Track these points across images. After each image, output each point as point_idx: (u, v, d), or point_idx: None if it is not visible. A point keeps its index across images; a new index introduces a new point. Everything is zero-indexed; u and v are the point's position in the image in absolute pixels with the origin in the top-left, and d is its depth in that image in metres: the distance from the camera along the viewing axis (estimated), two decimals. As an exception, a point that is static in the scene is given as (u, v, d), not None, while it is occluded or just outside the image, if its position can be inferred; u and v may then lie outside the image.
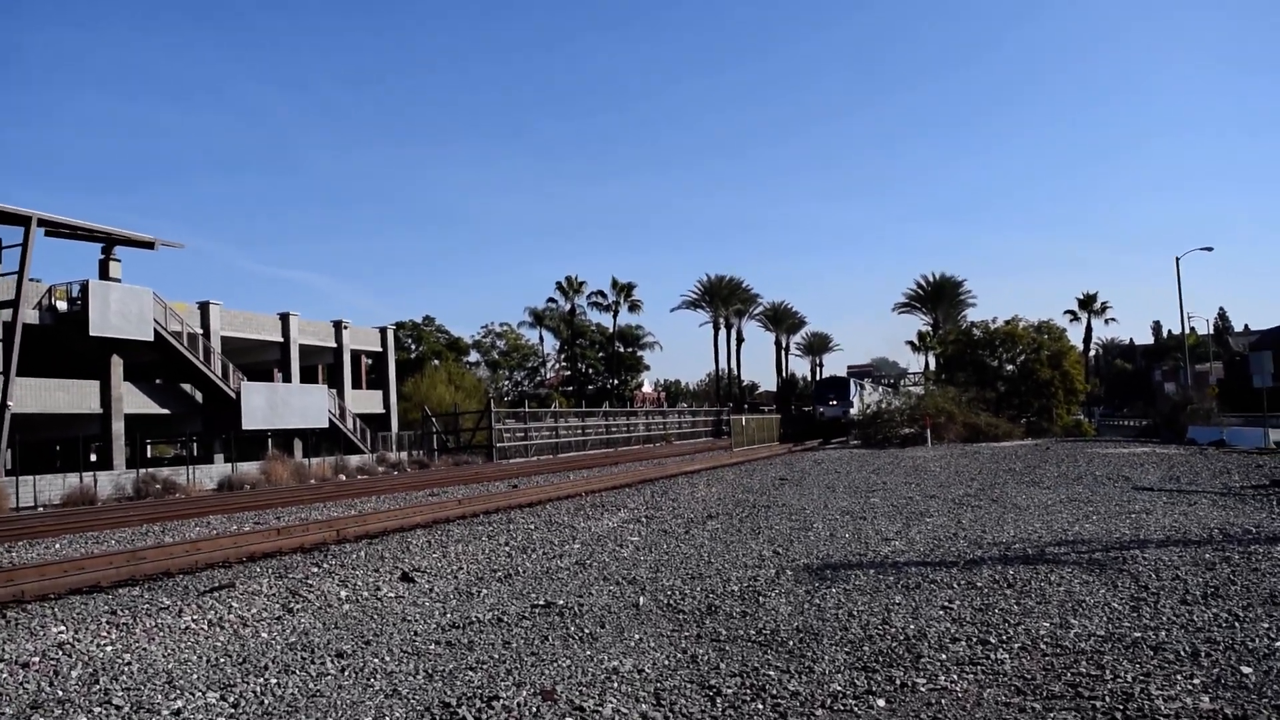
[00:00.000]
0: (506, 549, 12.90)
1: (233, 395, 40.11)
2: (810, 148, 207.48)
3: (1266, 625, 6.84)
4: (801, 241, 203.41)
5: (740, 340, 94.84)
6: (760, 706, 5.46)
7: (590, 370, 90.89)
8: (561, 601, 8.98)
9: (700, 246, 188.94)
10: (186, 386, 41.00)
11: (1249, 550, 10.24)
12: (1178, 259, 50.56)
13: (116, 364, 36.57)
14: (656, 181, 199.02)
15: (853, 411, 59.97)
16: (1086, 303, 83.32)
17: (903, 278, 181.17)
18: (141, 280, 49.71)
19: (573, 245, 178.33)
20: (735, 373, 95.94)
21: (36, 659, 7.20)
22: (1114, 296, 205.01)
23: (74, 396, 35.42)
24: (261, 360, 48.31)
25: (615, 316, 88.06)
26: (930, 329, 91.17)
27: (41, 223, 33.51)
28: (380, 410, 53.25)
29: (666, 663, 6.56)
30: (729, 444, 56.22)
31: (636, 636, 7.42)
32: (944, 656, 6.37)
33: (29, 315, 33.01)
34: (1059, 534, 12.28)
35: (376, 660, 6.98)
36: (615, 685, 6.01)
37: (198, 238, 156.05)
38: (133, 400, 37.80)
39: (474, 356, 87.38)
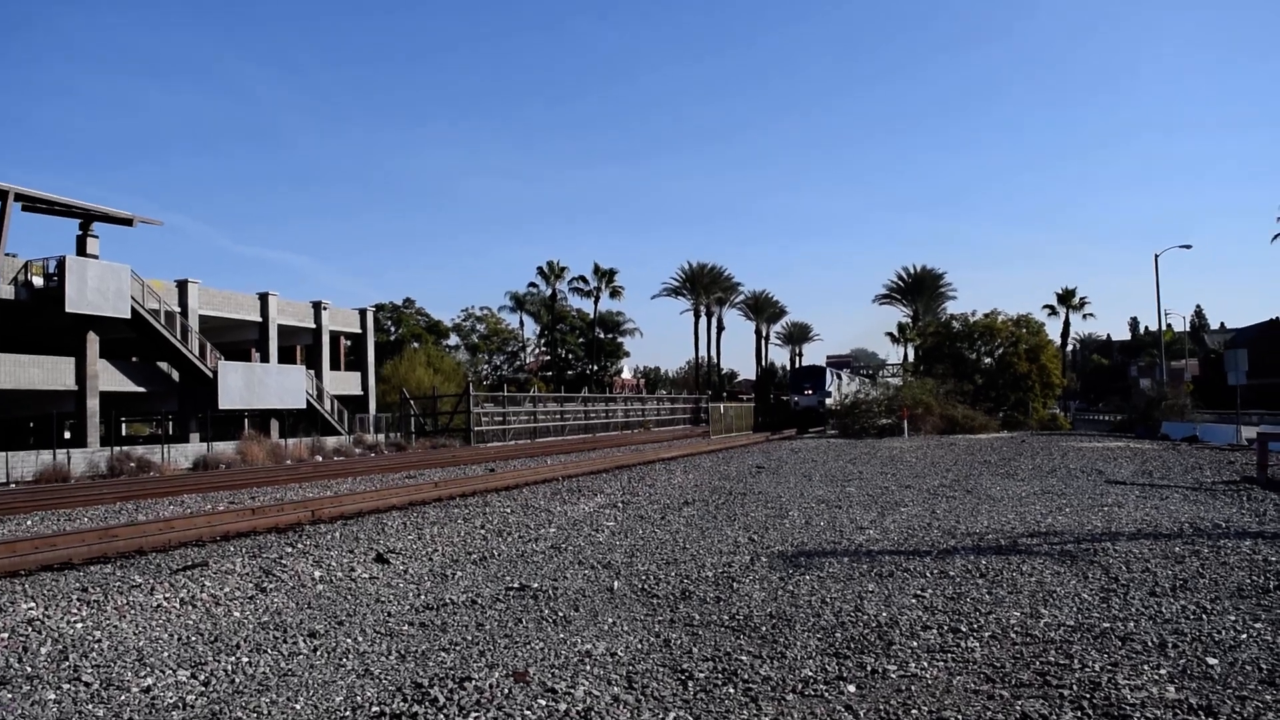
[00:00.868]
0: (482, 532, 12.89)
1: (210, 374, 39.82)
2: (793, 137, 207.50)
3: (1233, 618, 6.93)
4: (783, 231, 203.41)
5: (720, 328, 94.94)
6: (731, 690, 5.49)
7: (570, 356, 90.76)
8: (536, 585, 8.99)
9: (682, 234, 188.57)
10: (163, 365, 40.67)
11: (1218, 544, 10.36)
12: (1156, 256, 51.08)
13: (93, 341, 36.22)
14: (639, 168, 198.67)
15: (829, 401, 60.05)
16: (1065, 298, 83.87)
17: (883, 269, 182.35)
18: (119, 257, 49.21)
19: (555, 230, 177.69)
20: (715, 361, 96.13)
21: (5, 635, 7.14)
22: (1092, 292, 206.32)
23: (49, 373, 35.05)
24: (240, 340, 47.93)
25: (596, 302, 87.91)
26: (910, 321, 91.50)
27: (18, 197, 33.12)
28: (358, 392, 52.99)
29: (639, 646, 6.58)
30: (707, 431, 56.33)
31: (610, 620, 7.43)
32: (915, 644, 6.42)
33: (4, 290, 32.62)
34: (1032, 525, 12.38)
35: (349, 640, 6.97)
36: (588, 668, 6.03)
37: (177, 216, 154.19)
38: (108, 378, 37.46)
39: (453, 340, 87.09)
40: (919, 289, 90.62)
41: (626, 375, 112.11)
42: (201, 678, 6.04)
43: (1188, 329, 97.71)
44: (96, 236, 37.60)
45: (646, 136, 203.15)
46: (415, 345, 74.32)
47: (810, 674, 5.76)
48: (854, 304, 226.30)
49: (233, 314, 44.74)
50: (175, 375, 40.78)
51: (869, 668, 5.85)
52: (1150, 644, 6.24)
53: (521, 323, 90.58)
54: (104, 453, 32.47)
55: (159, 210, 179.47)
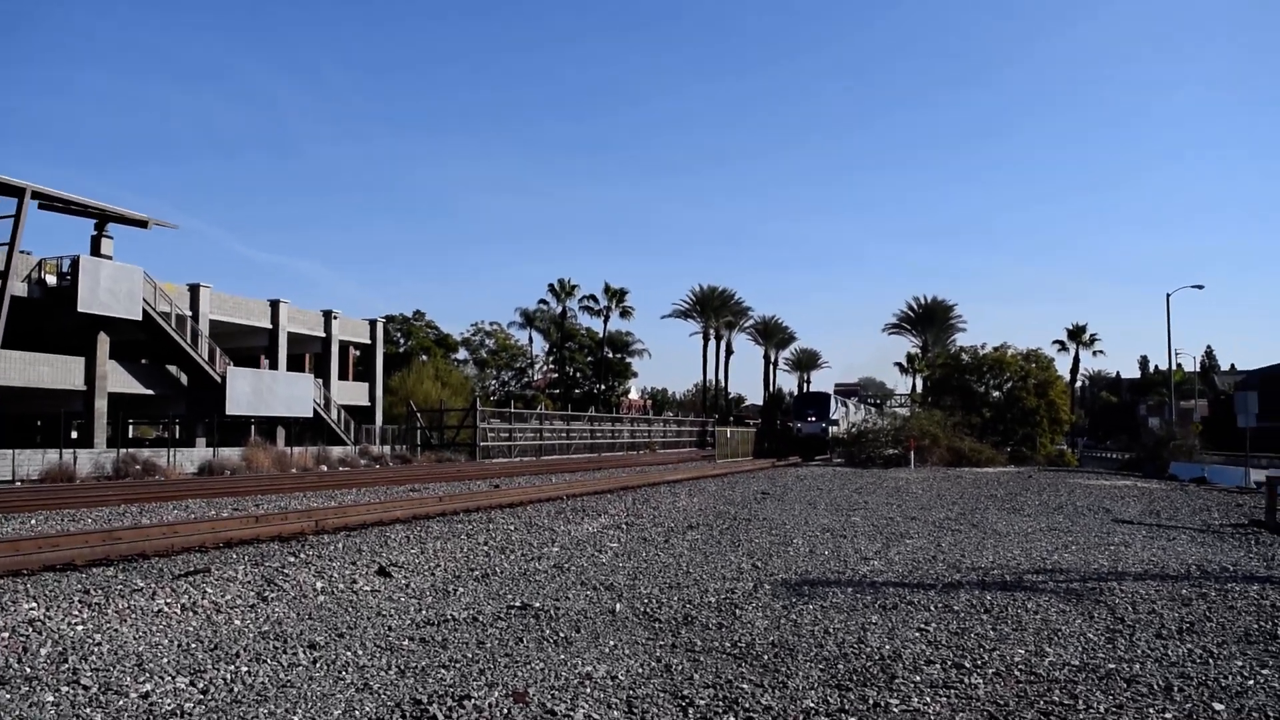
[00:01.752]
0: (485, 548, 12.85)
1: (218, 379, 39.93)
2: (806, 164, 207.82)
3: (1240, 663, 6.86)
4: (794, 257, 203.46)
5: (729, 352, 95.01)
6: (732, 719, 5.44)
7: (578, 374, 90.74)
8: (538, 604, 8.95)
9: (693, 256, 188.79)
10: (172, 368, 40.80)
11: (1225, 588, 10.28)
12: (1168, 296, 50.94)
13: (103, 341, 36.39)
14: (652, 188, 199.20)
15: (834, 429, 59.79)
16: (1075, 334, 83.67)
17: (894, 298, 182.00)
18: (133, 259, 49.33)
19: (566, 248, 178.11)
20: (723, 385, 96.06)
21: (5, 634, 7.13)
22: (1102, 329, 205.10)
23: (58, 372, 35.19)
24: (249, 346, 48.09)
25: (606, 322, 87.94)
26: (919, 351, 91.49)
27: (35, 195, 33.32)
28: (366, 403, 53.05)
29: (640, 670, 6.54)
30: (713, 455, 56.24)
31: (611, 643, 7.39)
32: (918, 678, 6.36)
33: (17, 288, 32.81)
34: (1038, 562, 12.30)
35: (349, 653, 6.94)
36: (588, 690, 5.99)
37: (192, 219, 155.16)
38: (117, 379, 37.59)
39: (462, 354, 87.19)
40: (929, 320, 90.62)
41: (634, 396, 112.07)
42: (200, 685, 6.02)
43: (1198, 369, 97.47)
44: (111, 237, 37.83)
45: (660, 157, 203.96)
46: (424, 358, 74.43)
47: (812, 705, 5.71)
48: (863, 333, 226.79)
49: (243, 320, 44.91)
50: (184, 379, 40.91)
51: (871, 700, 5.80)
52: (1156, 686, 6.18)
53: (530, 339, 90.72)
54: (110, 454, 32.57)
55: (173, 213, 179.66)
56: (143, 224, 39.10)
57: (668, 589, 9.96)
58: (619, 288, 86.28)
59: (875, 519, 17.98)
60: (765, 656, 6.96)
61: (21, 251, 33.45)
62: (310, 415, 44.71)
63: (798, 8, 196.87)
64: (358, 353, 55.40)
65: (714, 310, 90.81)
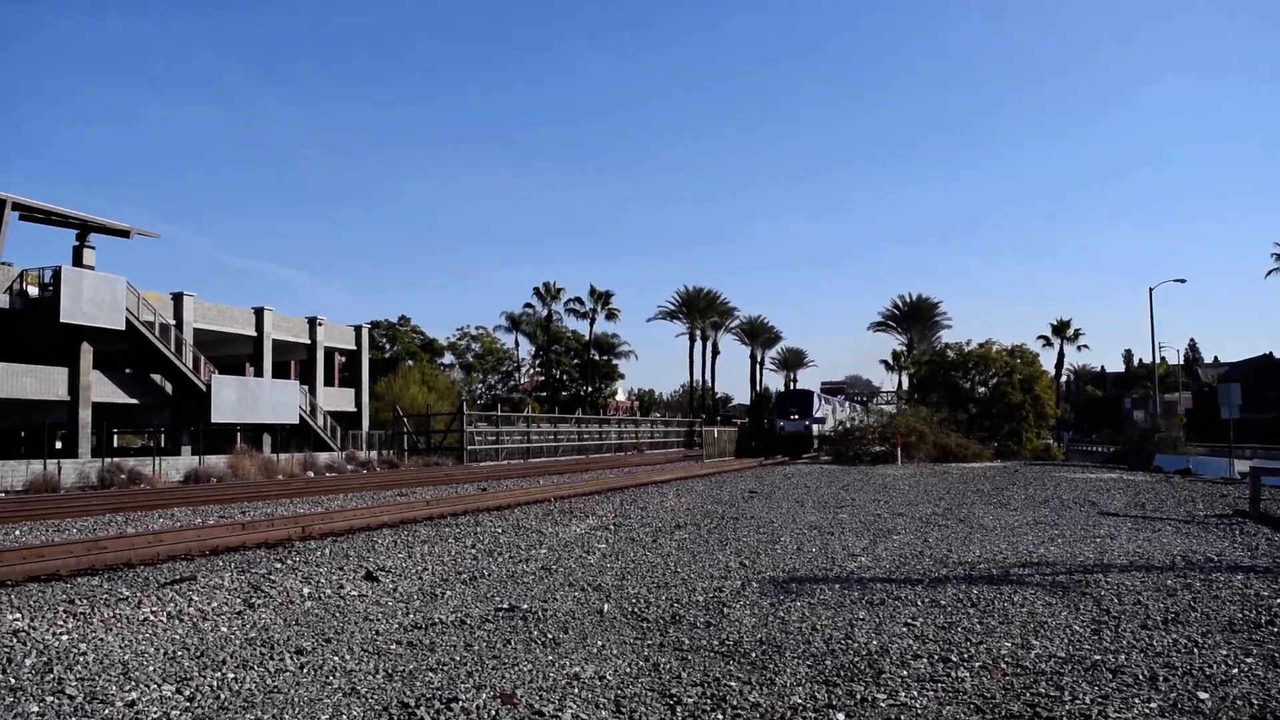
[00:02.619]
0: (473, 551, 12.83)
1: (203, 388, 39.73)
2: (789, 163, 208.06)
3: (1225, 652, 6.91)
4: (779, 257, 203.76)
5: (716, 353, 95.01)
6: (720, 717, 5.45)
7: (564, 377, 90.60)
8: (525, 606, 8.95)
9: (679, 258, 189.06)
10: (156, 377, 40.55)
11: (1210, 578, 10.35)
12: (1151, 290, 51.21)
13: (86, 351, 36.15)
14: (636, 191, 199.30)
15: (818, 427, 59.77)
16: (1060, 329, 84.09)
17: (879, 296, 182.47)
18: (116, 269, 48.83)
19: (551, 251, 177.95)
20: (710, 385, 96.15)
21: (-11, 646, 7.08)
22: (1087, 323, 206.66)
23: (41, 382, 34.95)
24: (234, 354, 47.87)
25: (592, 324, 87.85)
26: (905, 349, 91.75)
27: (16, 206, 33.15)
28: (352, 409, 52.85)
29: (628, 670, 6.54)
30: (701, 455, 56.29)
31: (599, 643, 7.39)
32: (905, 673, 6.39)
33: (-1, 299, 32.60)
34: (1024, 555, 12.36)
35: (336, 658, 6.92)
36: (576, 691, 5.99)
37: (174, 228, 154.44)
38: (101, 389, 37.35)
39: (448, 359, 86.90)
40: (914, 317, 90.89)
41: (621, 397, 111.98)
42: (186, 693, 5.99)
43: (1182, 362, 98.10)
44: (93, 248, 37.65)
45: (644, 160, 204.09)
46: (410, 363, 74.19)
47: (800, 701, 5.72)
48: (849, 331, 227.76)
49: (227, 328, 44.70)
50: (168, 388, 40.68)
51: (859, 696, 5.82)
52: (1141, 677, 6.22)
53: (517, 343, 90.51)
54: (95, 464, 32.37)
55: (156, 222, 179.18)
56: (125, 234, 38.94)
57: (656, 589, 9.97)
58: (604, 290, 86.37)
59: (862, 516, 18.02)
60: (753, 654, 6.98)
61: (3, 263, 33.28)
62: (296, 422, 44.53)
63: (777, 7, 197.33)
64: (343, 359, 55.18)
65: (700, 311, 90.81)
